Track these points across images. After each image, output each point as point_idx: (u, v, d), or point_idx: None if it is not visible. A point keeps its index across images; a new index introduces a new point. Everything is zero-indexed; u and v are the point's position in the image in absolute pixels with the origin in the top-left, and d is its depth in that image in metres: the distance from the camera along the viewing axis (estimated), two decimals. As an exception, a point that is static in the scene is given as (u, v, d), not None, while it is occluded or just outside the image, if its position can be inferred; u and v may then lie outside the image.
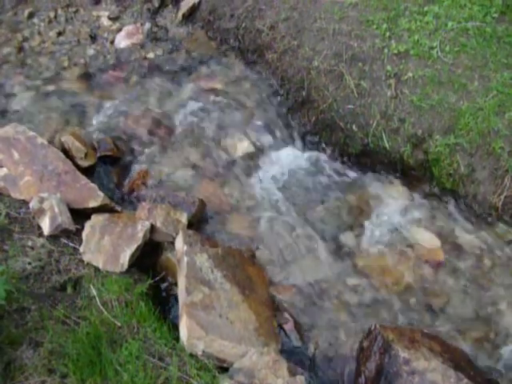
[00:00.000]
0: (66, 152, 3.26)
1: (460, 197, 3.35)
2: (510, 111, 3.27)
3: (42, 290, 2.47)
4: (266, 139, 3.70)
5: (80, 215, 2.85)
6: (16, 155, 2.99)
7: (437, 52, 3.58)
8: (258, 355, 2.33)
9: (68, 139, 3.34)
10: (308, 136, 3.75)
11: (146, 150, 3.59)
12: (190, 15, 4.57)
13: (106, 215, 2.84)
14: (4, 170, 2.95)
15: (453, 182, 3.34)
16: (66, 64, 4.18)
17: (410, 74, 3.51)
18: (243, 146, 3.62)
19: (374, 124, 3.49)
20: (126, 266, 2.66)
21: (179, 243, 2.75)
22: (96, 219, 2.81)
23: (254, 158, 3.59)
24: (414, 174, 3.48)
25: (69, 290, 2.54)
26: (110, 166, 3.46)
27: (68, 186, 2.91)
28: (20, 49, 4.28)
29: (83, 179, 2.96)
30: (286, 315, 2.75)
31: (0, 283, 2.16)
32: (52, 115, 3.73)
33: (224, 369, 2.33)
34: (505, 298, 2.91)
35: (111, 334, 2.32)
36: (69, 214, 2.77)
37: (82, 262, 2.66)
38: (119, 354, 2.24)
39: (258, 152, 3.63)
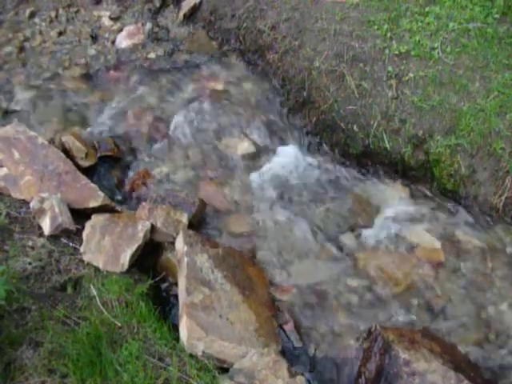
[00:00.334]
0: (67, 152, 3.26)
1: (461, 198, 3.35)
2: (511, 112, 3.27)
3: (43, 290, 2.47)
4: (267, 139, 3.70)
5: (80, 215, 2.85)
6: (16, 155, 2.99)
7: (438, 53, 3.58)
8: (258, 356, 2.32)
9: (68, 139, 3.34)
10: (309, 136, 3.75)
11: (147, 150, 3.59)
12: (191, 15, 4.57)
13: (107, 215, 2.84)
14: (4, 170, 2.95)
15: (453, 182, 3.34)
16: (66, 64, 4.18)
17: (411, 75, 3.51)
18: (244, 146, 3.62)
19: (375, 124, 3.49)
20: (126, 266, 2.66)
21: (179, 243, 2.75)
22: (96, 219, 2.80)
23: (254, 158, 3.59)
24: (414, 174, 3.48)
25: (69, 290, 2.54)
26: (110, 166, 3.46)
27: (68, 185, 2.91)
28: (21, 48, 4.28)
29: (84, 179, 2.96)
30: (286, 316, 2.75)
31: (0, 283, 2.16)
32: (53, 115, 3.73)
33: (224, 369, 2.33)
34: (505, 298, 2.90)
35: (111, 334, 2.32)
36: (69, 214, 2.77)
37: (83, 262, 2.65)
38: (119, 354, 2.24)
39: (259, 152, 3.62)
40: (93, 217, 2.82)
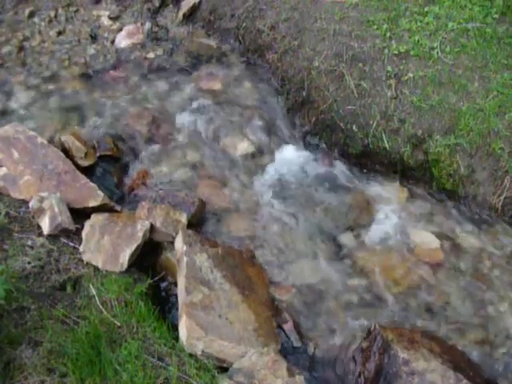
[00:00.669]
0: (66, 151, 3.26)
1: (460, 197, 3.35)
2: (510, 112, 3.27)
3: (42, 289, 2.47)
4: (266, 139, 3.70)
5: (80, 215, 2.85)
6: (16, 154, 2.99)
7: (437, 52, 3.58)
8: (257, 355, 2.33)
9: (68, 139, 3.34)
10: (308, 136, 3.75)
11: (146, 150, 3.59)
12: (191, 15, 4.57)
13: (106, 215, 2.84)
14: (4, 170, 2.95)
15: (453, 182, 3.34)
16: (66, 63, 4.18)
17: (411, 75, 3.51)
18: (243, 146, 3.62)
19: (374, 124, 3.49)
20: (125, 266, 2.66)
21: (179, 243, 2.75)
22: (96, 219, 2.81)
23: (253, 158, 3.59)
24: (413, 174, 3.48)
25: (68, 289, 2.54)
26: (109, 165, 3.45)
27: (68, 185, 2.91)
28: (20, 48, 4.28)
29: (83, 179, 2.96)
30: (286, 315, 2.75)
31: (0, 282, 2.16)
32: (52, 115, 3.73)
33: (223, 369, 2.33)
34: (504, 298, 2.91)
35: (111, 333, 2.32)
36: (68, 214, 2.77)
37: (82, 261, 2.66)
38: (118, 353, 2.24)
39: (258, 152, 3.62)
40: (92, 216, 2.82)
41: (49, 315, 2.32)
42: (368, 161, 3.58)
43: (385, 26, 3.75)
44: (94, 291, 2.51)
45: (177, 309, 2.59)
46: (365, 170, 3.57)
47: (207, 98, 3.92)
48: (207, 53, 4.31)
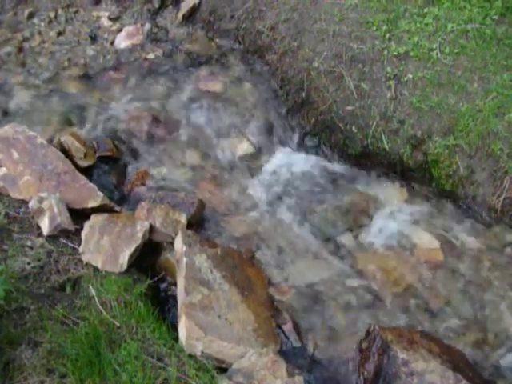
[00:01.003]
0: (66, 152, 3.25)
1: (459, 198, 3.35)
2: (509, 113, 3.27)
3: (41, 289, 2.47)
4: (266, 140, 3.70)
5: (79, 215, 2.85)
6: (15, 155, 2.99)
7: (436, 54, 3.59)
8: (256, 356, 2.33)
9: (67, 139, 3.34)
10: (307, 137, 3.75)
11: (146, 151, 3.59)
12: (190, 16, 4.57)
13: (105, 215, 2.84)
14: (3, 170, 2.95)
15: (452, 183, 3.35)
16: (65, 64, 4.18)
17: (410, 76, 3.51)
18: (243, 147, 3.63)
19: (374, 125, 3.50)
20: (125, 266, 2.66)
21: (178, 244, 2.75)
22: (95, 219, 2.80)
23: (253, 159, 3.59)
24: (413, 175, 3.48)
25: (68, 290, 2.53)
26: (109, 166, 3.46)
27: (67, 185, 2.91)
28: (20, 49, 4.28)
29: (82, 179, 2.96)
30: (285, 316, 2.75)
31: (-1, 283, 2.16)
32: (52, 115, 3.72)
33: (223, 369, 2.33)
34: (504, 299, 2.91)
35: (110, 334, 2.32)
36: (68, 214, 2.77)
37: (81, 262, 2.65)
38: (118, 354, 2.24)
39: (258, 153, 3.63)
40: (92, 217, 2.82)
41: (48, 316, 2.32)
42: (367, 161, 3.58)
43: (384, 27, 3.75)
44: (93, 292, 2.51)
45: (176, 309, 2.58)
46: (364, 171, 3.57)
47: (207, 98, 3.92)
48: (207, 54, 4.31)
